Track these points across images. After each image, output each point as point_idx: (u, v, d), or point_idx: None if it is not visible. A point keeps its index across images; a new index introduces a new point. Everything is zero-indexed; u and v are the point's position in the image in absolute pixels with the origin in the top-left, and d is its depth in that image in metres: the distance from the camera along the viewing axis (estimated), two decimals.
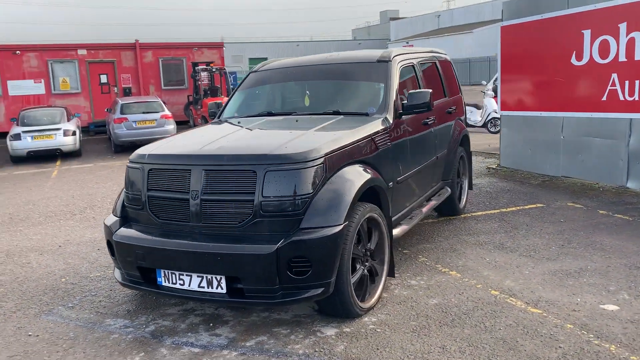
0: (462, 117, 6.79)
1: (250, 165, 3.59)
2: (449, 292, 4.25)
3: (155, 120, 15.54)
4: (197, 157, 3.79)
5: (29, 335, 3.89)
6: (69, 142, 14.52)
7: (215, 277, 3.57)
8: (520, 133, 9.17)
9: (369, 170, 4.05)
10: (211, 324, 3.90)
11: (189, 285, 3.67)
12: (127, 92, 20.54)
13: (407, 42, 72.80)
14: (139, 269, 3.87)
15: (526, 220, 6.19)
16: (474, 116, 14.47)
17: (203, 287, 3.63)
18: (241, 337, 3.67)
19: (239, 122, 4.89)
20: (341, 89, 5.05)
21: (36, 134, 14.25)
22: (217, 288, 3.59)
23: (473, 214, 6.57)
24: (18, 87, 19.50)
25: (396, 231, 4.57)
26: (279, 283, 3.45)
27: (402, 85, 5.12)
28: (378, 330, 3.67)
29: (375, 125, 4.35)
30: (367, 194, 4.03)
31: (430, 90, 4.77)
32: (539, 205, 6.87)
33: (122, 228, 4.03)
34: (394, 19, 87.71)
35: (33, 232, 6.86)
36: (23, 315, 4.25)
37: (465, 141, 6.70)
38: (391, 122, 4.56)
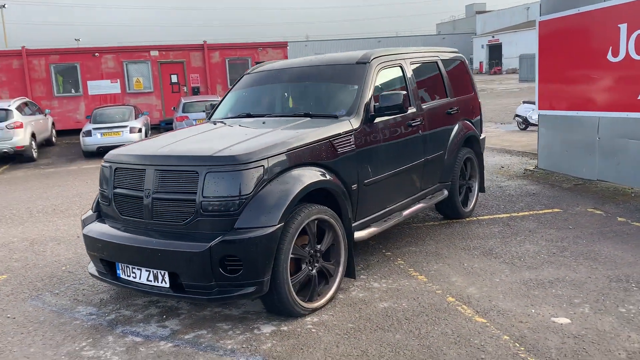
0: (474, 118, 6.59)
1: (193, 166, 3.77)
2: (404, 296, 4.22)
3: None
4: (151, 157, 4.02)
5: (7, 317, 4.29)
6: (134, 138, 15.39)
7: (160, 272, 3.78)
8: (557, 133, 8.75)
9: (321, 173, 4.09)
10: (164, 316, 4.11)
11: (140, 279, 3.90)
12: (195, 92, 21.46)
13: (493, 37, 70.38)
14: (102, 261, 4.15)
15: (532, 226, 5.93)
16: (535, 114, 13.85)
17: (150, 281, 3.84)
18: (184, 330, 3.86)
19: (215, 124, 5.08)
20: (317, 91, 5.11)
21: (105, 130, 15.25)
22: (161, 282, 3.79)
23: (480, 217, 6.39)
24: (96, 87, 20.92)
25: (362, 233, 4.57)
26: (214, 280, 3.60)
27: (383, 87, 5.08)
28: (313, 330, 3.73)
29: (336, 128, 4.38)
30: (323, 195, 4.09)
31: (404, 93, 4.72)
32: (555, 210, 6.56)
33: (93, 223, 4.33)
34: (480, 12, 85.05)
35: (64, 223, 7.43)
36: (13, 299, 4.67)
37: (473, 142, 6.52)
38: (358, 124, 4.56)
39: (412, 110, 5.27)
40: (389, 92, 4.73)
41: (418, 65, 5.70)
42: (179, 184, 3.80)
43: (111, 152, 4.44)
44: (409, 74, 5.42)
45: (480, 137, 6.82)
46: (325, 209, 4.05)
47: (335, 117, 4.63)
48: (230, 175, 3.67)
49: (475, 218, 6.37)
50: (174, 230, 3.82)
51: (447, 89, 6.09)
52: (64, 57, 20.52)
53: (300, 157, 4.02)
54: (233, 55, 21.97)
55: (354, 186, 4.46)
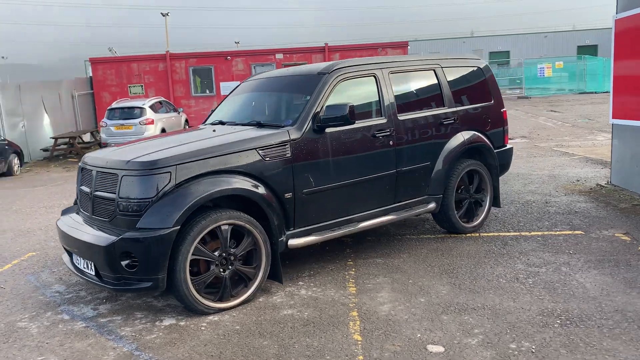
0: (489, 128, 6.25)
1: (115, 170, 4.25)
2: (315, 306, 4.29)
3: None
4: (97, 159, 4.58)
5: (1, 286, 5.15)
6: None
7: (89, 262, 4.32)
8: (629, 146, 7.83)
9: (239, 181, 4.32)
10: (105, 301, 4.66)
11: (83, 267, 4.48)
12: None
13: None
14: (65, 250, 4.83)
15: (530, 247, 5.51)
16: None
17: (86, 269, 4.41)
18: (105, 314, 4.37)
19: (190, 130, 5.55)
20: (278, 101, 5.29)
21: None
22: (91, 271, 4.33)
23: (483, 234, 6.05)
24: (227, 88, 22.69)
25: (299, 241, 4.70)
26: (118, 272, 4.05)
27: (349, 98, 5.13)
28: (202, 327, 4.01)
29: (267, 138, 4.57)
30: (245, 201, 4.32)
31: (350, 104, 4.74)
32: (577, 232, 5.98)
33: (65, 215, 5.03)
34: None
35: None
36: (20, 273, 5.58)
37: (483, 154, 6.19)
38: (299, 135, 4.69)
39: (380, 120, 5.22)
40: (335, 104, 4.77)
41: (402, 74, 5.59)
42: (107, 185, 4.31)
43: (86, 154, 5.09)
44: (386, 84, 5.35)
45: (500, 149, 6.41)
46: (239, 214, 4.27)
47: (281, 126, 4.80)
48: (137, 180, 4.09)
49: (477, 234, 6.05)
50: (104, 225, 4.32)
51: (445, 98, 5.86)
52: (200, 60, 22.58)
53: (217, 165, 4.28)
54: (353, 56, 22.34)
55: (288, 195, 4.60)
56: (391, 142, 5.27)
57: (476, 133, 6.09)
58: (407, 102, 5.61)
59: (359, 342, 3.64)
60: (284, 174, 4.58)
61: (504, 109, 6.55)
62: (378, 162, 5.20)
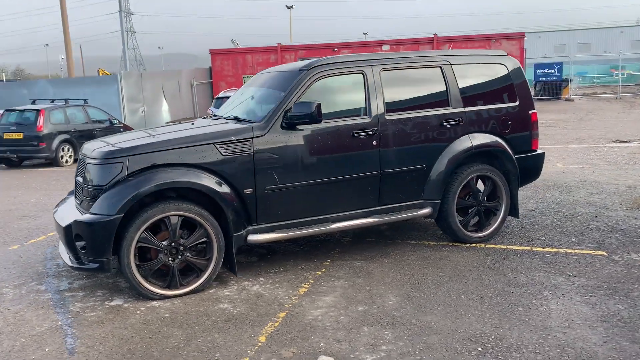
0: (509, 131, 5.76)
1: (85, 158, 4.64)
2: (254, 303, 4.31)
3: None
4: (84, 148, 4.99)
5: (17, 254, 5.82)
6: None
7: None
8: None
9: (194, 174, 4.46)
10: (84, 277, 5.08)
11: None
12: None
13: None
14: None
15: (529, 264, 5.03)
16: None
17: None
18: (73, 289, 4.77)
19: (179, 124, 5.81)
20: (261, 97, 5.32)
21: None
22: (67, 252, 4.75)
23: (489, 245, 5.62)
24: None
25: (259, 237, 4.74)
26: (76, 252, 4.42)
27: (330, 96, 5.06)
28: (138, 312, 4.23)
29: (228, 134, 4.65)
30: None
31: (316, 102, 4.67)
32: (598, 253, 5.34)
33: (67, 200, 5.51)
34: None
35: None
36: (43, 244, 6.23)
37: (499, 159, 5.73)
38: (264, 131, 4.71)
39: (363, 120, 5.07)
40: (304, 101, 4.72)
41: (398, 71, 5.35)
42: (81, 171, 4.69)
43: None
44: (374, 82, 5.16)
45: (524, 154, 5.89)
46: (188, 206, 4.42)
47: (252, 122, 4.86)
48: (95, 168, 4.42)
49: (482, 245, 5.63)
50: (81, 210, 4.72)
51: (451, 98, 5.50)
52: (309, 52, 23.08)
53: (172, 158, 4.46)
54: (463, 47, 21.44)
55: (248, 190, 4.66)
56: (374, 143, 5.08)
57: (489, 136, 5.63)
58: (401, 101, 5.36)
59: (259, 344, 3.62)
60: (244, 170, 4.64)
61: (533, 111, 5.97)
62: (357, 163, 5.04)
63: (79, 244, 4.33)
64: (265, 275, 4.92)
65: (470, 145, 5.48)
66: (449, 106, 5.48)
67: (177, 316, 4.11)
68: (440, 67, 5.52)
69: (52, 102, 15.48)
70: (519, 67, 5.97)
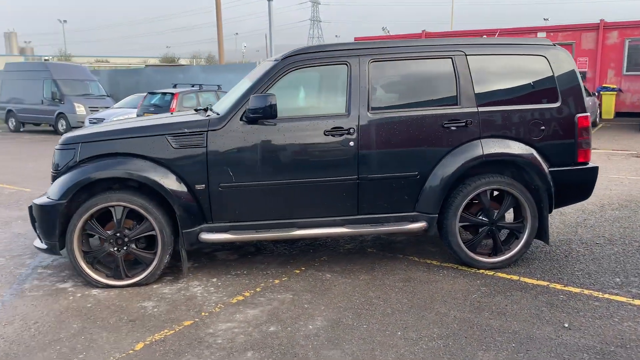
0: (542, 138, 4.76)
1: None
2: (171, 306, 4.12)
3: None
4: None
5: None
6: None
7: None
8: None
9: (140, 165, 4.38)
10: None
11: None
12: (581, 77, 19.27)
13: None
14: None
15: (529, 304, 4.08)
16: None
17: None
18: (48, 267, 5.01)
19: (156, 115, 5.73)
20: (241, 88, 4.99)
21: None
22: None
23: (500, 274, 4.71)
24: None
25: (211, 236, 4.51)
26: (36, 232, 4.64)
27: (305, 89, 4.65)
28: (71, 298, 4.29)
29: (182, 125, 4.47)
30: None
31: (272, 95, 4.28)
32: (634, 302, 4.22)
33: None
34: None
35: None
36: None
37: (525, 171, 4.78)
38: (220, 125, 4.45)
39: (340, 118, 4.53)
40: (260, 95, 4.35)
41: (393, 62, 4.67)
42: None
43: None
44: (360, 75, 4.57)
45: (565, 167, 4.83)
46: (131, 198, 4.35)
47: (217, 114, 4.63)
48: (56, 153, 4.56)
49: (491, 273, 4.75)
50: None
51: (461, 95, 4.66)
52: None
53: (121, 148, 4.42)
54: (636, 35, 18.48)
55: (200, 187, 4.45)
56: (352, 144, 4.50)
57: (511, 143, 4.68)
58: (392, 97, 4.68)
59: (129, 352, 3.42)
60: (196, 164, 4.42)
61: (583, 114, 4.82)
62: (330, 165, 4.52)
63: (35, 225, 4.50)
64: (220, 277, 4.67)
65: (481, 152, 4.59)
66: (457, 105, 4.64)
67: (96, 307, 4.07)
68: (452, 59, 4.69)
69: (192, 86, 16.63)
70: (568, 61, 4.84)
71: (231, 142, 4.41)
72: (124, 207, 4.35)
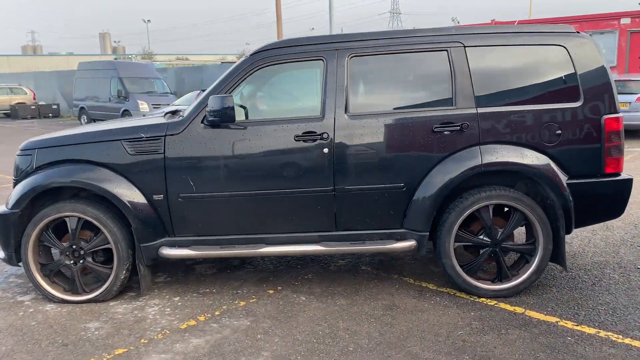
0: (560, 142, 4.00)
1: None
2: (118, 328, 3.76)
3: (629, 103, 13.48)
4: None
5: None
6: None
7: None
8: None
9: (96, 173, 4.06)
10: None
11: None
12: None
13: None
14: None
15: (524, 346, 3.42)
16: None
17: None
18: (20, 276, 4.83)
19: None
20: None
21: None
22: None
23: (506, 305, 4.01)
24: None
25: (172, 251, 4.12)
26: None
27: (275, 88, 4.16)
28: (22, 312, 4.05)
29: (139, 130, 4.10)
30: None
31: (228, 96, 3.82)
32: None
33: None
34: None
35: None
36: None
37: (536, 184, 4.06)
38: (179, 129, 4.04)
39: (312, 121, 4.00)
40: (216, 96, 3.89)
41: (377, 57, 4.06)
42: None
43: None
44: (337, 72, 4.01)
45: (588, 179, 4.05)
46: (85, 208, 4.04)
47: (181, 117, 4.24)
48: (16, 159, 4.32)
49: (493, 302, 4.05)
50: None
51: (457, 93, 3.99)
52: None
53: (75, 154, 4.11)
54: None
55: (158, 197, 4.07)
56: (326, 150, 3.96)
57: (518, 149, 3.95)
58: (375, 97, 4.09)
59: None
60: (153, 172, 4.04)
61: (613, 115, 3.99)
62: (301, 175, 3.99)
63: None
64: (185, 295, 4.27)
65: (479, 161, 3.89)
66: (452, 106, 3.96)
67: (39, 326, 3.79)
68: (448, 51, 4.01)
69: None
70: (594, 52, 4.02)
71: (191, 148, 3.98)
72: (79, 218, 4.03)
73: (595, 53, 3.99)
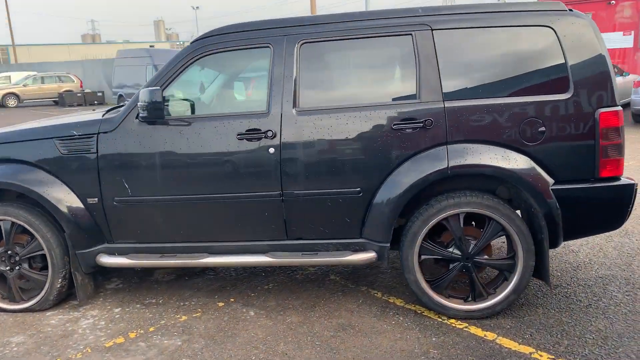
0: (534, 142, 3.43)
1: None
2: (35, 344, 3.50)
3: None
4: None
5: None
6: None
7: None
8: None
9: (28, 174, 3.77)
10: None
11: None
12: None
13: None
14: None
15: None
16: None
17: None
18: None
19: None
20: None
21: None
22: None
23: (474, 328, 3.46)
24: (607, 40, 18.58)
25: (110, 259, 3.80)
26: None
27: (223, 78, 3.75)
28: None
29: (72, 127, 3.77)
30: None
31: (155, 90, 3.43)
32: None
33: None
34: None
35: None
36: None
37: (515, 190, 3.51)
38: (112, 126, 3.69)
39: (257, 117, 3.56)
40: (146, 89, 3.49)
41: (332, 43, 3.56)
42: None
43: None
44: (285, 60, 3.55)
45: (579, 184, 3.45)
46: (17, 212, 3.77)
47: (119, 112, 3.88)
48: None
49: (462, 325, 3.54)
50: None
51: (421, 85, 3.45)
52: (576, 6, 19.00)
53: (9, 153, 3.84)
54: None
55: (93, 200, 3.74)
56: (272, 150, 3.51)
57: (492, 149, 3.39)
58: (329, 90, 3.59)
59: None
60: (86, 173, 3.71)
61: (610, 109, 3.37)
62: (246, 177, 3.57)
63: None
64: (127, 306, 3.95)
65: (445, 164, 3.36)
66: (415, 99, 3.43)
67: None
68: (412, 35, 3.47)
69: None
70: (588, 34, 3.39)
71: (124, 147, 3.62)
72: (12, 222, 3.75)
73: (590, 35, 3.36)
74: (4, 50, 60.49)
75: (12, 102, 28.34)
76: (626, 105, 14.05)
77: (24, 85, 28.94)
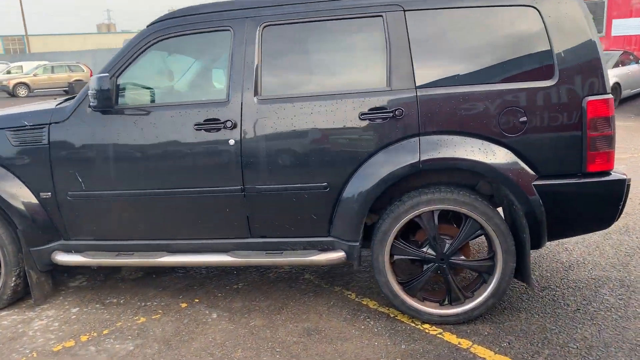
0: (513, 133, 3.14)
1: None
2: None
3: None
4: None
5: None
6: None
7: None
8: None
9: None
10: None
11: None
12: None
13: None
14: None
15: None
16: None
17: None
18: None
19: None
20: None
21: None
22: None
23: (448, 334, 3.21)
24: (622, 27, 18.02)
25: (65, 257, 3.59)
26: None
27: (183, 66, 3.52)
28: None
29: (23, 117, 3.56)
30: None
31: (103, 76, 3.19)
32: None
33: None
34: None
35: None
36: None
37: (509, 188, 3.23)
38: (63, 116, 3.46)
39: (216, 106, 3.31)
40: (96, 75, 3.26)
41: (292, 27, 3.30)
42: None
43: None
44: (246, 45, 3.29)
45: (564, 179, 3.16)
46: None
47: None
48: None
49: (436, 331, 3.28)
50: None
51: (392, 71, 3.17)
52: None
53: None
54: None
55: (46, 195, 3.53)
56: (232, 142, 3.26)
57: (469, 140, 3.10)
58: (293, 76, 3.32)
59: None
60: (38, 166, 3.50)
61: (599, 97, 3.06)
62: (204, 171, 3.33)
63: None
64: (86, 306, 3.75)
65: (416, 157, 3.08)
66: (385, 87, 3.15)
67: None
68: (383, 17, 3.18)
69: None
70: (576, 15, 3.07)
71: (76, 138, 3.40)
72: None
73: (579, 17, 3.05)
74: (20, 40, 60.92)
75: (22, 91, 28.39)
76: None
77: (34, 75, 28.97)
